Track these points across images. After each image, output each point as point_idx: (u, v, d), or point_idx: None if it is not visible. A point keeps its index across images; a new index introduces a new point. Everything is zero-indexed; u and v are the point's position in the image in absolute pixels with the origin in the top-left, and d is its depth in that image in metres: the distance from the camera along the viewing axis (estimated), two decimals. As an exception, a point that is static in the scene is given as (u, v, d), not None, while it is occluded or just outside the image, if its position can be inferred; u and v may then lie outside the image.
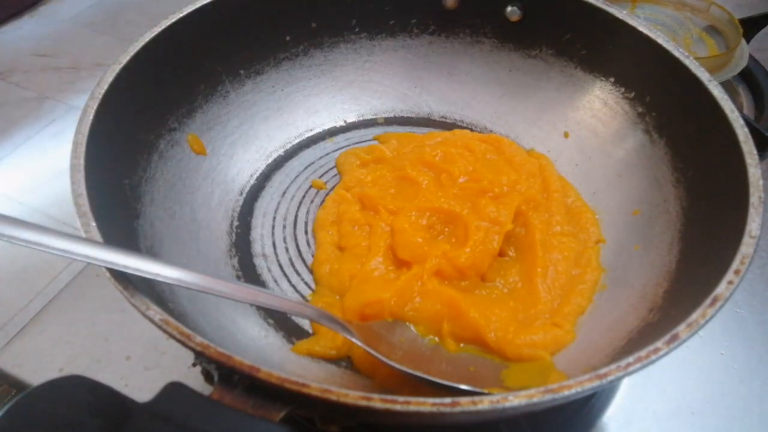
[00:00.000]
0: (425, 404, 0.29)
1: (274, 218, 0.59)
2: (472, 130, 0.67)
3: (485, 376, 0.44)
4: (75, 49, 0.91)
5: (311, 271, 0.55)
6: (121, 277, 0.35)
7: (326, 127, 0.67)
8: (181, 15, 0.53)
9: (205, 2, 0.55)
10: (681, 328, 0.34)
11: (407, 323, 0.49)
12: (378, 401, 0.29)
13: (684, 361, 0.54)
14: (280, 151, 0.65)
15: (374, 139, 0.67)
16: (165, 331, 0.33)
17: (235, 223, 0.58)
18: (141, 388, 0.52)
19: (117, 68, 0.48)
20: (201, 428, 0.28)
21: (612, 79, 0.60)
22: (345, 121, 0.68)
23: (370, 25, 0.67)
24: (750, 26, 0.83)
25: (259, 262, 0.55)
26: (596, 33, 0.59)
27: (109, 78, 0.47)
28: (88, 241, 0.35)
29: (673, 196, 0.51)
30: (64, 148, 0.41)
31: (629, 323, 0.45)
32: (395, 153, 0.63)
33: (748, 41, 0.81)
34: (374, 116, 0.69)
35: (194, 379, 0.40)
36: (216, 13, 0.56)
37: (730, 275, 0.37)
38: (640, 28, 0.55)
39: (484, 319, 0.47)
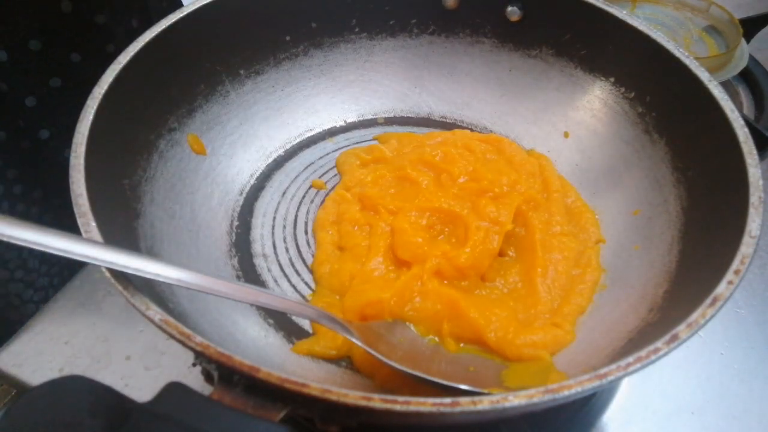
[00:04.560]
0: (425, 404, 0.29)
1: (274, 218, 0.59)
2: (472, 130, 0.67)
3: (485, 376, 0.44)
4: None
5: (311, 271, 0.55)
6: (121, 277, 0.35)
7: (326, 127, 0.67)
8: (181, 15, 0.53)
9: (205, 2, 0.55)
10: (681, 328, 0.34)
11: (407, 323, 0.49)
12: (378, 401, 0.29)
13: (684, 361, 0.54)
14: (280, 151, 0.65)
15: (374, 139, 0.67)
16: (165, 331, 0.33)
17: (235, 223, 0.58)
18: (141, 388, 0.52)
19: (117, 68, 0.48)
20: (201, 428, 0.28)
21: (612, 79, 0.60)
22: (345, 121, 0.68)
23: (370, 25, 0.67)
24: (750, 26, 0.83)
25: (259, 262, 0.55)
26: (596, 33, 0.59)
27: (109, 78, 0.47)
28: (88, 241, 0.35)
29: (673, 196, 0.51)
30: (64, 148, 0.42)
31: (629, 323, 0.45)
32: (395, 153, 0.63)
33: (748, 41, 0.81)
34: (374, 116, 0.69)
35: (194, 379, 0.40)
36: (216, 13, 0.56)
37: (730, 275, 0.37)
38: (640, 28, 0.55)
39: (484, 319, 0.47)
